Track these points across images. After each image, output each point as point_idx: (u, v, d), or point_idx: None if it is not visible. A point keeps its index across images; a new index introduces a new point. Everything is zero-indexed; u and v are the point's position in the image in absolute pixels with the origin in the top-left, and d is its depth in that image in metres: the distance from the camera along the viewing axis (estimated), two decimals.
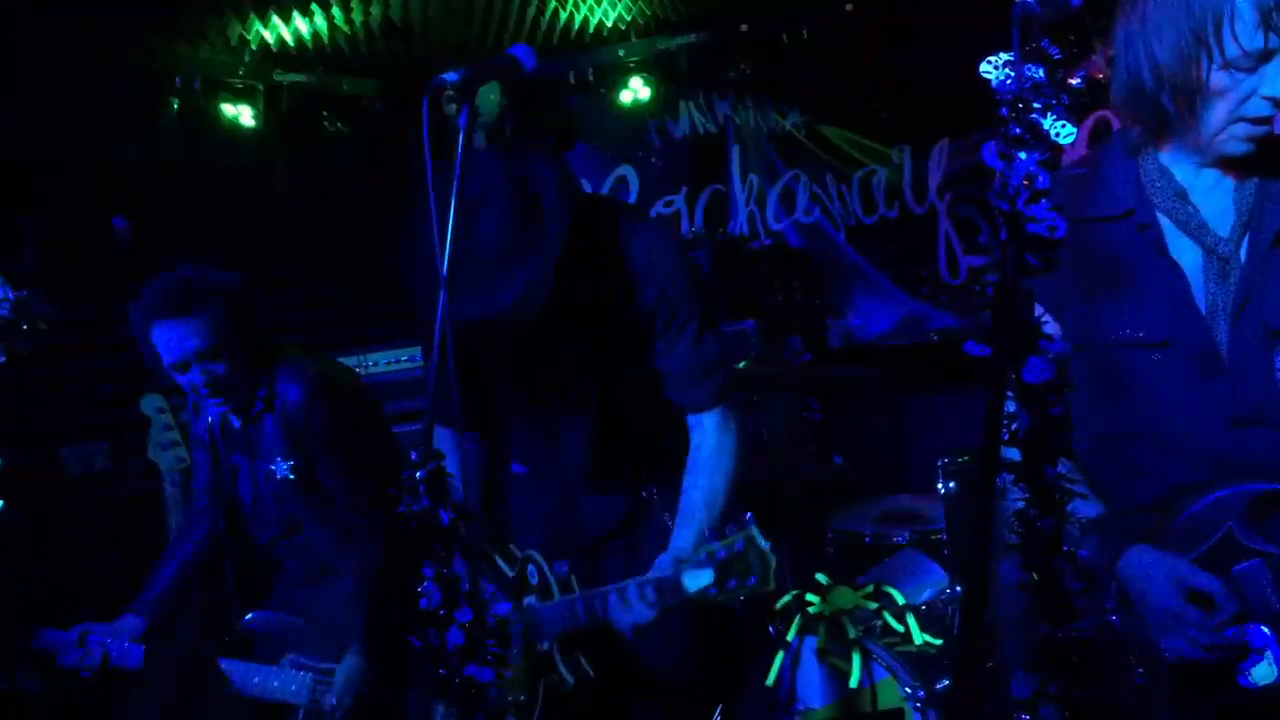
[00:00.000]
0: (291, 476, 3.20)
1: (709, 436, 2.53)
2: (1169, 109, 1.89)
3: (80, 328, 4.48)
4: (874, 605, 3.41)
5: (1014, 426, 1.45)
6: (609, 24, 5.28)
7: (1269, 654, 1.82)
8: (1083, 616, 1.44)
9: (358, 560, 3.14)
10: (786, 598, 3.57)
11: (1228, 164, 1.93)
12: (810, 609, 3.40)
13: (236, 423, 3.27)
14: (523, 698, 2.45)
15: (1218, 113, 1.85)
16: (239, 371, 3.11)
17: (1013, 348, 1.43)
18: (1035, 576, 1.46)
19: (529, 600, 2.52)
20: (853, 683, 3.22)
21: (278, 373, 3.18)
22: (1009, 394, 1.48)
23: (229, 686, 3.23)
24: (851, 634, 3.26)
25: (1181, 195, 1.95)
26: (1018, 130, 1.50)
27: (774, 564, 2.13)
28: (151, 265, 3.62)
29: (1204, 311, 1.92)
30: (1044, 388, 1.44)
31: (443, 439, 2.56)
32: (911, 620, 3.35)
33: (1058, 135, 1.50)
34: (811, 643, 3.32)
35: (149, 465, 3.48)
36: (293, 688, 3.17)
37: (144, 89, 4.65)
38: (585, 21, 5.30)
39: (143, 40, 4.55)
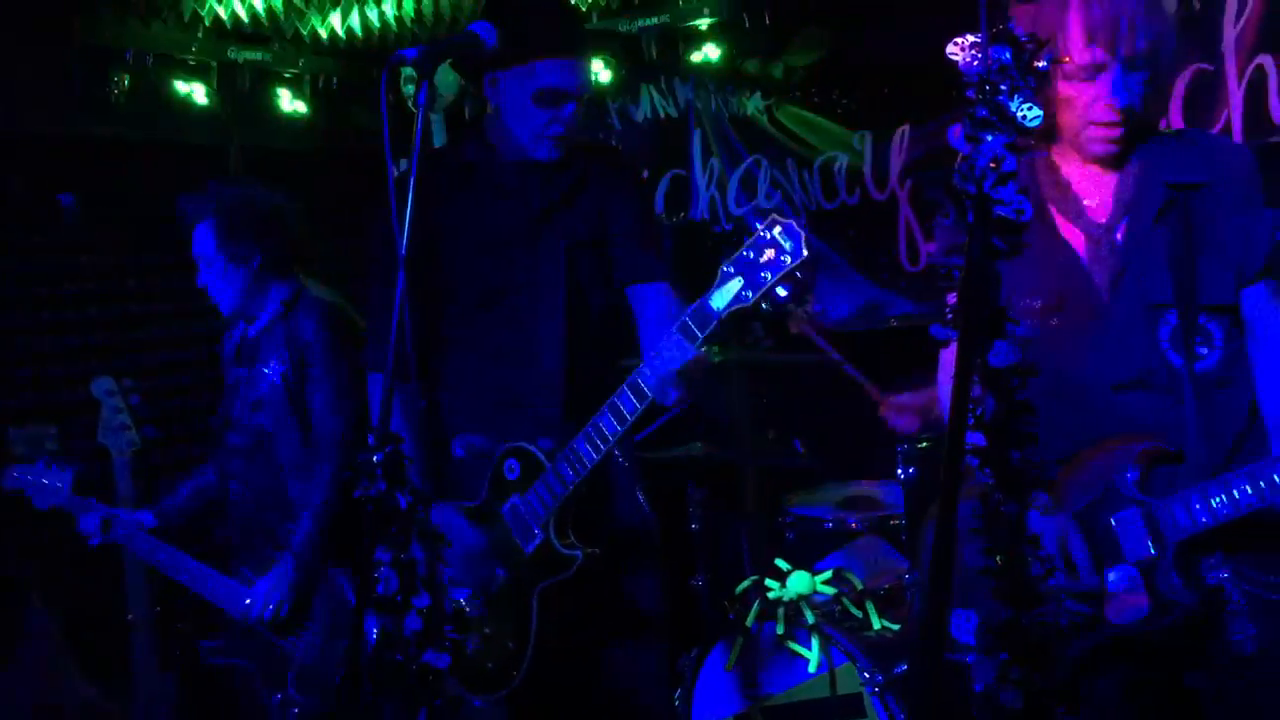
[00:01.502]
0: (277, 380, 3.25)
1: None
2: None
3: (28, 307, 4.39)
4: (833, 590, 3.42)
5: (979, 411, 1.45)
6: (570, 3, 5.22)
7: (1135, 596, 1.99)
8: (1046, 601, 1.44)
9: (312, 481, 3.20)
10: (745, 583, 3.58)
11: (1099, 161, 2.13)
12: (769, 594, 3.41)
13: (252, 332, 3.41)
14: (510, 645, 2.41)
15: (1071, 119, 2.08)
16: (235, 281, 3.29)
17: (979, 331, 1.42)
18: (998, 561, 1.46)
19: (512, 498, 2.52)
20: (811, 668, 3.22)
21: (300, 294, 3.35)
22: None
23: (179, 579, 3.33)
24: (810, 619, 3.26)
25: (1064, 187, 2.16)
26: (984, 113, 1.49)
27: (802, 233, 2.09)
28: (101, 244, 3.59)
29: (1091, 284, 2.11)
30: (1009, 371, 1.44)
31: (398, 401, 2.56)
32: (870, 606, 3.36)
33: (1024, 118, 1.49)
34: (770, 628, 3.32)
35: (98, 448, 3.44)
36: (235, 595, 3.28)
37: (93, 64, 4.55)
38: None
39: (92, 14, 4.45)
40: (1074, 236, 2.15)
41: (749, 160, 5.54)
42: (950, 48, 1.57)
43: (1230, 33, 4.17)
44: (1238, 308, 2.10)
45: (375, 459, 1.86)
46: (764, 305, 2.11)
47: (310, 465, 3.24)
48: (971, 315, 1.40)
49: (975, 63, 1.52)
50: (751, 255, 2.10)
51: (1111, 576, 2.02)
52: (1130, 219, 2.11)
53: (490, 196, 2.68)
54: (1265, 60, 4.08)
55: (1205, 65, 4.24)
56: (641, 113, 5.75)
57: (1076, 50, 2.00)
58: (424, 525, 1.89)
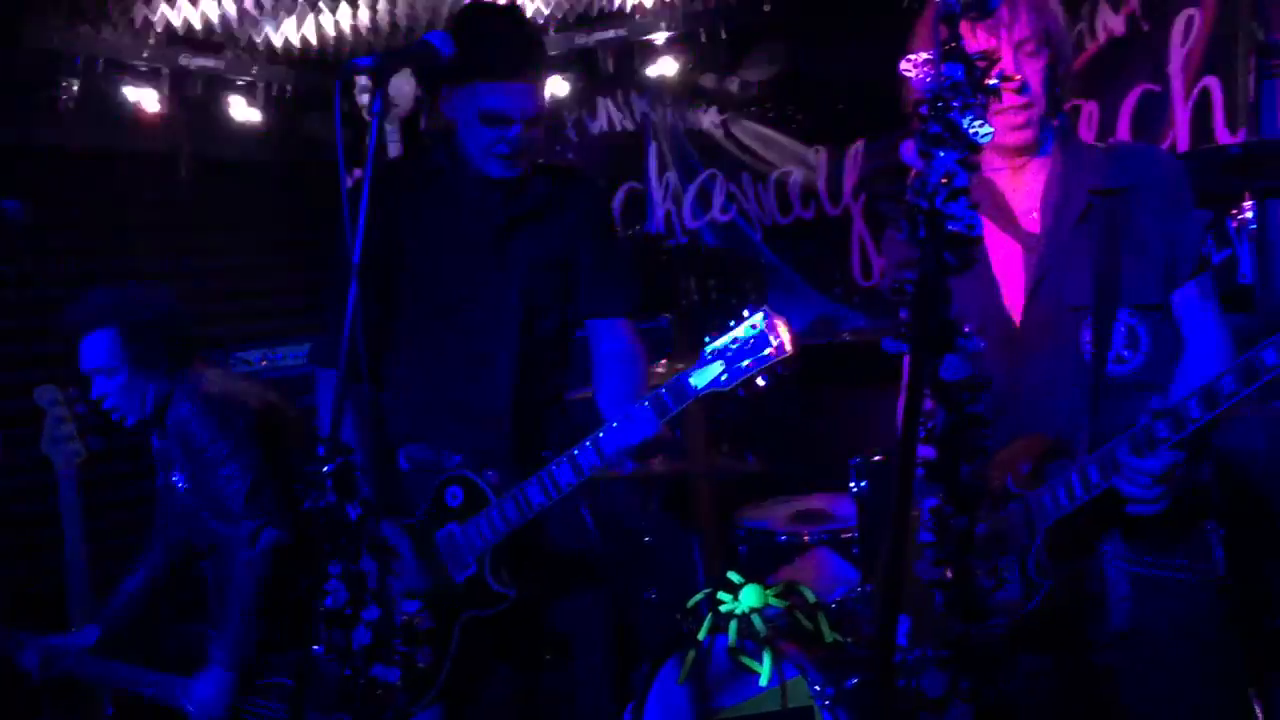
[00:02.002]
0: (185, 487, 3.20)
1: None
2: None
3: None
4: (785, 604, 3.42)
5: (930, 424, 1.46)
6: (527, 16, 5.22)
7: (1012, 582, 2.07)
8: (996, 614, 1.44)
9: (237, 571, 3.13)
10: (698, 596, 3.57)
11: (1020, 155, 2.18)
12: (721, 607, 3.40)
13: (154, 440, 3.31)
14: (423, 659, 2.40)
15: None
16: (132, 390, 3.16)
17: (930, 345, 1.43)
18: (948, 574, 1.46)
19: (450, 525, 2.50)
20: (762, 681, 3.22)
21: (175, 388, 3.20)
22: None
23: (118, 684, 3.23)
24: (762, 632, 3.26)
25: (998, 199, 2.21)
26: (937, 129, 1.51)
27: (789, 331, 2.15)
28: (47, 251, 3.52)
29: (1009, 302, 2.17)
30: (960, 385, 1.45)
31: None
32: (822, 619, 3.36)
33: (976, 135, 1.51)
34: (722, 641, 3.32)
35: (41, 459, 3.37)
36: (177, 690, 3.19)
37: (42, 69, 4.48)
38: None
39: (41, 18, 4.38)
40: (1008, 249, 2.19)
41: (704, 174, 5.56)
42: (904, 64, 1.59)
43: (1177, 54, 4.25)
44: (1165, 309, 2.14)
45: (325, 470, 1.83)
46: (740, 391, 2.16)
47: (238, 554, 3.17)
48: (922, 329, 1.40)
49: (928, 79, 1.53)
50: (736, 344, 2.14)
51: (1001, 565, 2.09)
52: (1053, 224, 2.16)
53: (453, 207, 2.66)
54: (1210, 82, 4.16)
55: (1153, 86, 4.32)
56: (598, 125, 5.76)
57: (965, 42, 2.05)
58: (374, 537, 1.87)
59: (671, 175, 5.65)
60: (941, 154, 1.48)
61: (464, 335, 2.64)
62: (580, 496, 2.79)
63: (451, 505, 2.48)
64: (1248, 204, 3.09)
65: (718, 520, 4.28)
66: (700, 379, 2.17)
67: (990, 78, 1.56)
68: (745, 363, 2.14)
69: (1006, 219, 2.20)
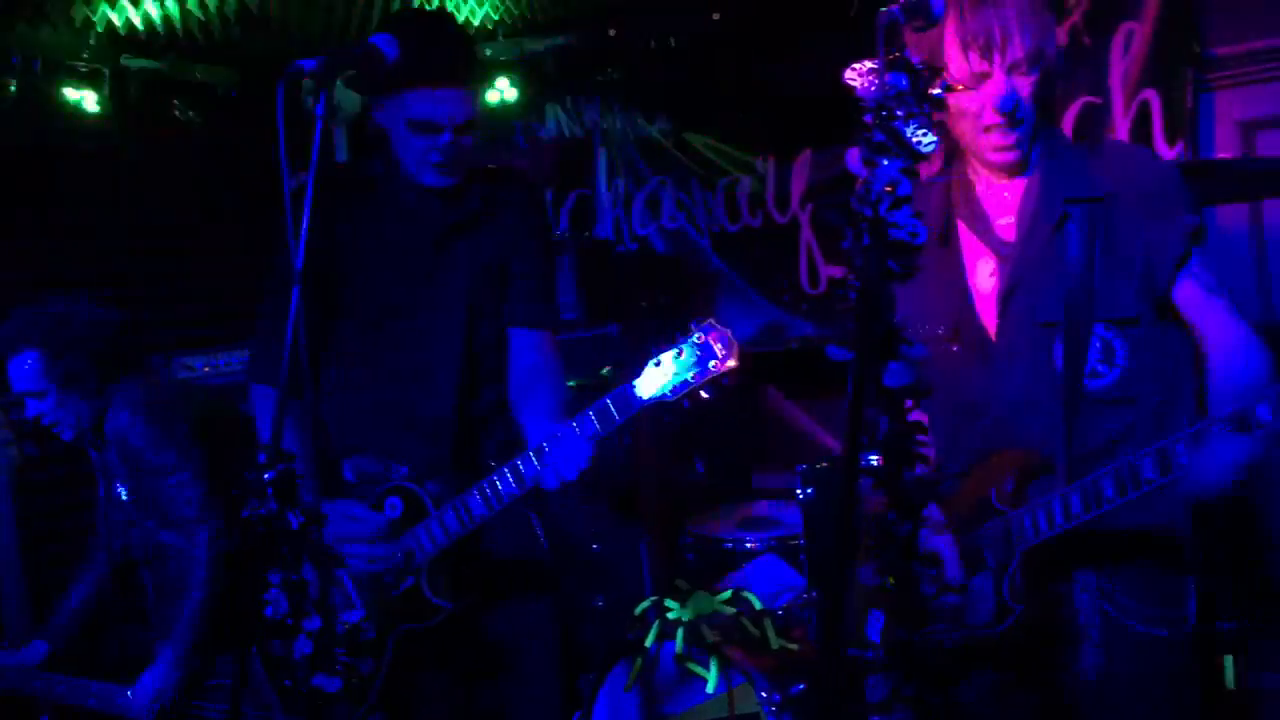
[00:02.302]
0: (128, 498, 3.15)
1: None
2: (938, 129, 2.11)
3: None
4: (732, 610, 3.43)
5: (873, 431, 1.46)
6: (476, 22, 5.20)
7: (986, 600, 2.07)
8: (938, 620, 1.45)
9: (192, 576, 3.09)
10: (645, 603, 3.57)
11: (1003, 170, 2.15)
12: (669, 614, 3.40)
13: (92, 453, 3.26)
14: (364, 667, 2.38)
15: (966, 129, 2.11)
16: (65, 407, 3.12)
17: (873, 352, 1.43)
18: (892, 581, 1.47)
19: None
20: (709, 688, 3.22)
21: (113, 399, 3.16)
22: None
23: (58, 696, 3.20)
24: (709, 639, 3.26)
25: (974, 204, 2.19)
26: (880, 137, 1.52)
27: (735, 344, 2.15)
28: None
29: (983, 310, 2.15)
30: (903, 392, 1.46)
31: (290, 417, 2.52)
32: (769, 625, 3.37)
33: (919, 144, 1.52)
34: (669, 648, 3.32)
35: None
36: (118, 700, 3.16)
37: None
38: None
39: None
40: (982, 257, 2.17)
41: (654, 181, 5.57)
42: (848, 73, 1.60)
43: (1117, 67, 4.32)
44: (1142, 320, 2.09)
45: (266, 477, 1.80)
46: (685, 403, 2.16)
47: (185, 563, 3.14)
48: (866, 336, 1.41)
49: (872, 88, 1.54)
50: (682, 357, 2.15)
51: (975, 583, 2.09)
52: (1026, 235, 2.12)
53: (391, 215, 2.64)
54: (1149, 94, 4.23)
55: (1093, 98, 4.39)
56: (547, 132, 5.75)
57: (955, 62, 2.03)
58: (316, 545, 1.84)
59: (621, 182, 5.66)
60: (885, 162, 1.49)
61: (405, 345, 2.61)
62: (529, 506, 2.77)
63: (391, 516, 2.45)
64: None
65: (665, 527, 4.29)
66: (646, 389, 2.17)
67: (934, 87, 1.57)
68: (690, 375, 2.14)
69: (982, 225, 2.18)
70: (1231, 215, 4.29)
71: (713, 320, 2.15)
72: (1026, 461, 2.08)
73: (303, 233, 1.96)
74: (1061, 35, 4.48)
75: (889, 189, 1.47)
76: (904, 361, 1.45)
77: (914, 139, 1.51)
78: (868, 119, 1.53)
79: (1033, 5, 2.03)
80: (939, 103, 1.54)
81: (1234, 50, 4.31)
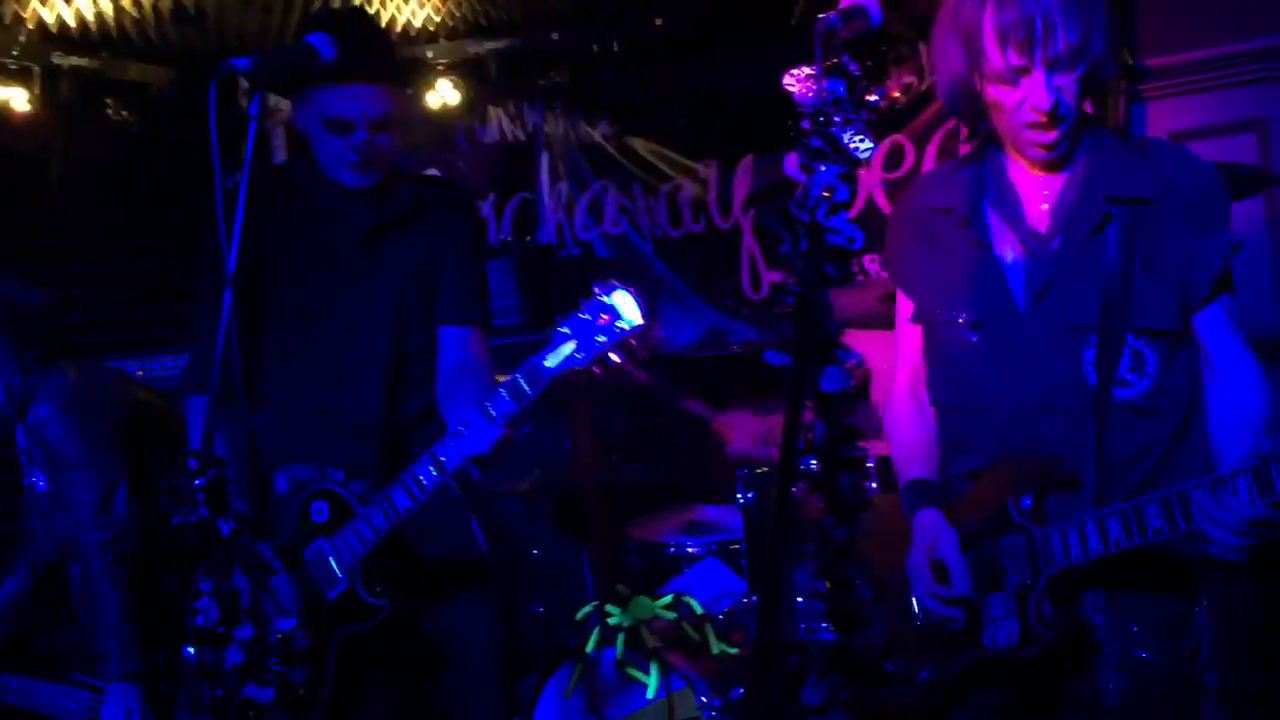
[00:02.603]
0: (44, 489, 3.08)
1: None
2: (974, 118, 2.05)
3: None
4: (673, 615, 3.43)
5: (810, 435, 1.47)
6: (417, 24, 5.16)
7: (1008, 621, 1.96)
8: (874, 624, 1.46)
9: (94, 581, 3.02)
10: (586, 609, 3.56)
11: (1042, 166, 2.04)
12: (609, 620, 3.39)
13: (19, 440, 3.18)
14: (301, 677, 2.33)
15: (1003, 123, 1.99)
16: None
17: (811, 357, 1.44)
18: (828, 585, 1.47)
19: (318, 541, 2.43)
20: (650, 693, 3.22)
21: (38, 386, 3.08)
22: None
23: (8, 700, 3.14)
24: (649, 644, 3.26)
25: (1008, 192, 2.07)
26: (818, 143, 1.52)
27: (639, 302, 2.07)
28: None
29: (1013, 302, 2.03)
30: (840, 397, 1.46)
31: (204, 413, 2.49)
32: (709, 630, 3.38)
33: (856, 150, 1.53)
34: (610, 654, 3.31)
35: None
36: (71, 705, 3.09)
37: None
38: (393, 20, 5.17)
39: None
40: (1010, 246, 2.06)
41: (596, 185, 5.56)
42: (786, 79, 1.60)
43: None
44: (1179, 334, 1.99)
45: (196, 484, 1.77)
46: (596, 369, 2.10)
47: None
48: (804, 341, 1.41)
49: (810, 94, 1.55)
50: (588, 318, 2.08)
51: (993, 601, 1.98)
52: (1066, 232, 2.00)
53: (316, 217, 2.60)
54: (1085, 104, 4.29)
55: None
56: (489, 135, 5.72)
57: (993, 54, 1.90)
58: (248, 553, 1.81)
59: (564, 186, 5.64)
60: (823, 168, 1.49)
61: (332, 348, 2.58)
62: (469, 508, 2.75)
63: (318, 521, 2.41)
64: None
65: (607, 532, 4.28)
66: (554, 359, 2.10)
67: (870, 94, 1.58)
68: (600, 338, 2.07)
69: (1012, 213, 2.05)
70: (1248, 214, 4.33)
71: (615, 280, 2.08)
72: (1048, 472, 1.97)
73: (235, 236, 1.93)
74: None
75: (826, 194, 1.48)
76: (840, 366, 1.46)
77: (851, 144, 1.52)
78: (805, 125, 1.54)
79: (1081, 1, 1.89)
80: (875, 110, 1.55)
81: (1166, 61, 4.39)
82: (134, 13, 4.54)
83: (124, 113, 5.01)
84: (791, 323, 1.44)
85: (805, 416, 1.44)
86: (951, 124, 4.65)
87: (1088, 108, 2.02)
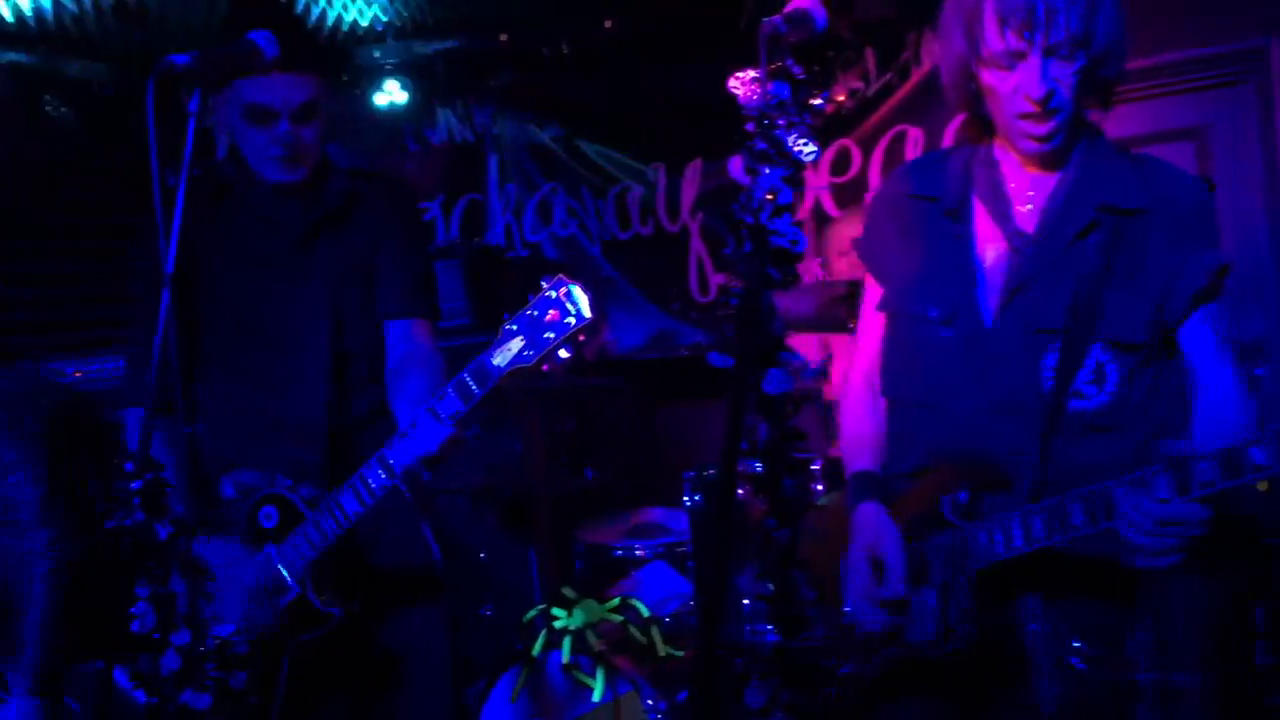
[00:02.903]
0: None
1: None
2: (970, 105, 1.99)
3: None
4: (619, 618, 3.42)
5: (754, 437, 1.47)
6: (365, 23, 5.12)
7: (930, 618, 1.93)
8: (815, 626, 1.46)
9: (33, 587, 2.96)
10: (533, 612, 3.54)
11: (1034, 161, 1.98)
12: (556, 623, 3.38)
13: None
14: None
15: (997, 111, 1.93)
16: None
17: (754, 359, 1.44)
18: (771, 587, 1.48)
19: (267, 548, 2.39)
20: (596, 696, 3.21)
21: None
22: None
23: None
24: (596, 647, 3.25)
25: (997, 185, 2.02)
26: (763, 146, 1.53)
27: (586, 296, 2.03)
28: None
29: (985, 300, 1.98)
30: (783, 399, 1.46)
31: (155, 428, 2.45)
32: (656, 632, 3.37)
33: (800, 153, 1.54)
34: (557, 657, 3.30)
35: None
36: None
37: None
38: (339, 19, 5.13)
39: None
40: (992, 243, 2.01)
41: (545, 188, 5.55)
42: (731, 82, 1.61)
43: None
44: (1149, 349, 1.94)
45: (133, 487, 1.74)
46: (545, 366, 2.07)
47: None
48: (747, 343, 1.41)
49: (754, 97, 1.55)
50: (536, 314, 2.05)
51: (919, 596, 1.95)
52: (1049, 234, 1.95)
53: (247, 219, 2.56)
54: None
55: None
56: (438, 136, 5.69)
57: (991, 36, 1.85)
58: (185, 557, 1.78)
59: (513, 187, 5.62)
60: (767, 170, 1.50)
61: (271, 352, 2.54)
62: (422, 515, 2.71)
63: (266, 526, 2.37)
64: None
65: (554, 535, 4.26)
66: (502, 357, 2.07)
67: (815, 98, 1.59)
68: (548, 335, 2.04)
69: (1000, 208, 2.00)
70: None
71: (563, 275, 2.05)
72: (984, 472, 1.95)
73: (174, 235, 1.90)
74: None
75: (770, 197, 1.48)
76: (784, 368, 1.46)
77: (795, 148, 1.52)
78: (750, 127, 1.54)
79: None
80: (819, 113, 1.56)
81: None
82: (73, 7, 4.46)
83: (62, 109, 4.92)
84: (734, 325, 1.44)
85: (748, 418, 1.44)
86: (898, 129, 4.70)
87: (1091, 114, 1.98)
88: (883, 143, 4.74)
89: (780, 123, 1.54)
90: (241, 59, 2.13)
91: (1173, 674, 2.04)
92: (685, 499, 3.75)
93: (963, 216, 2.03)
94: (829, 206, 4.83)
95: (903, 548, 1.96)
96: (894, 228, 2.13)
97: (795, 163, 1.52)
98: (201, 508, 2.51)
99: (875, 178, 4.74)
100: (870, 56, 4.78)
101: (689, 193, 5.22)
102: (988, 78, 1.89)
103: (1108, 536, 1.74)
